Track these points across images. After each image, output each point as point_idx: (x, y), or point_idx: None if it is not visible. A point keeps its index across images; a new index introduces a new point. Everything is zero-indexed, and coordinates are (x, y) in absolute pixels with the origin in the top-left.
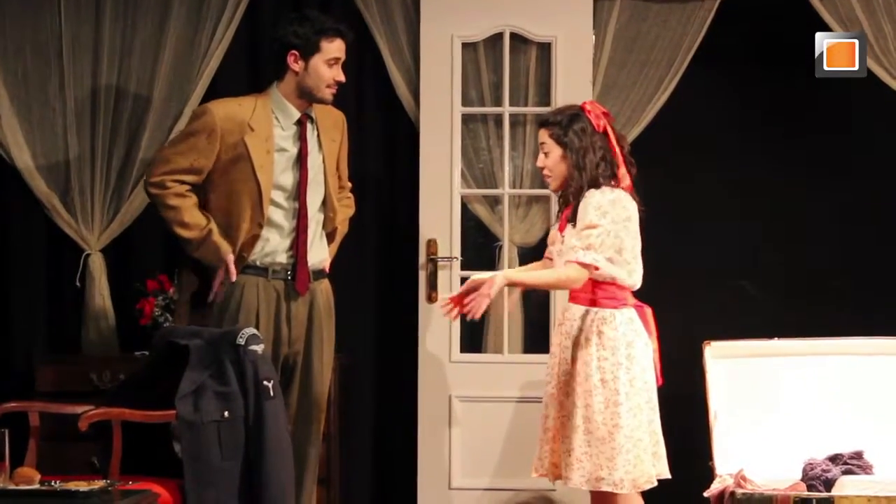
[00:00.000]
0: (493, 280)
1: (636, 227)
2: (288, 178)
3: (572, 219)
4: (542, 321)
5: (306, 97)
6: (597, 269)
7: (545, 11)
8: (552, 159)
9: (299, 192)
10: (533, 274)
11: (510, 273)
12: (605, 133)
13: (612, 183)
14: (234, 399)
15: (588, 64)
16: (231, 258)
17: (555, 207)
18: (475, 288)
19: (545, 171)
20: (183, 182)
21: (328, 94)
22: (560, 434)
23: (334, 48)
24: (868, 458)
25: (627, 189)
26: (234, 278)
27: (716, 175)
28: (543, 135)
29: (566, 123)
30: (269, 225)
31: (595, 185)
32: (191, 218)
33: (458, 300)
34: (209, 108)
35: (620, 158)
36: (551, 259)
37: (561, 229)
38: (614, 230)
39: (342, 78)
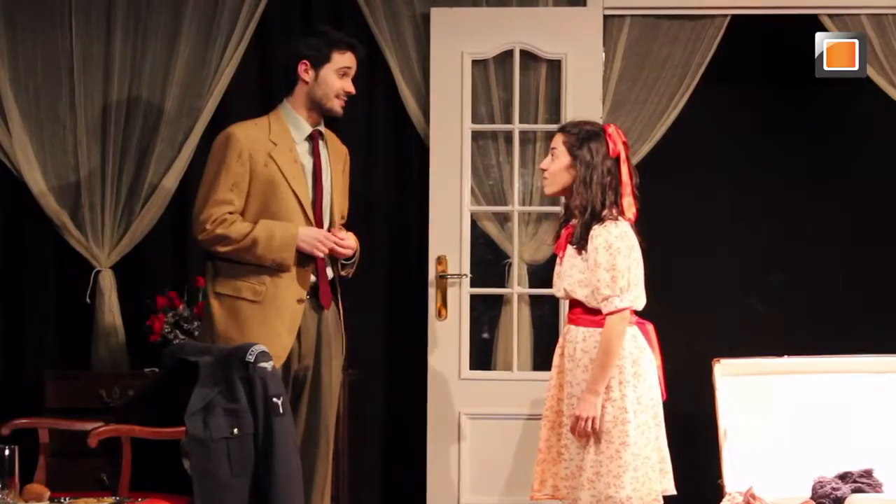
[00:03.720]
0: (594, 410)
1: (639, 255)
2: (308, 192)
3: (576, 242)
4: (551, 339)
5: (316, 109)
6: (633, 311)
7: (555, 29)
8: (557, 165)
9: (315, 207)
10: (593, 370)
11: (597, 389)
12: (618, 160)
13: (615, 211)
14: (244, 416)
15: (598, 81)
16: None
17: None
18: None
19: (545, 174)
20: (226, 218)
21: (337, 104)
22: (561, 456)
23: (345, 59)
24: (878, 476)
25: (631, 220)
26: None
27: (726, 192)
28: (557, 140)
29: (584, 137)
30: None
31: (597, 209)
32: (239, 229)
33: None
34: (231, 131)
35: (629, 188)
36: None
37: (559, 248)
38: (628, 263)
39: (352, 89)
